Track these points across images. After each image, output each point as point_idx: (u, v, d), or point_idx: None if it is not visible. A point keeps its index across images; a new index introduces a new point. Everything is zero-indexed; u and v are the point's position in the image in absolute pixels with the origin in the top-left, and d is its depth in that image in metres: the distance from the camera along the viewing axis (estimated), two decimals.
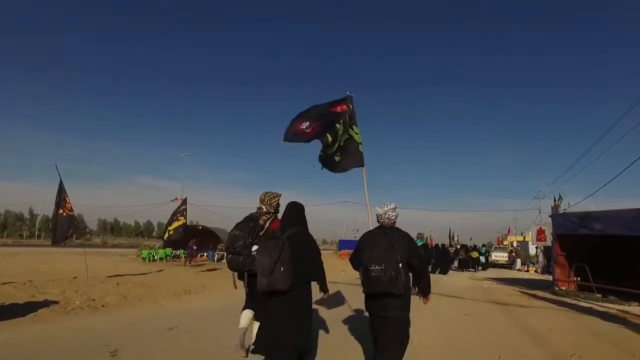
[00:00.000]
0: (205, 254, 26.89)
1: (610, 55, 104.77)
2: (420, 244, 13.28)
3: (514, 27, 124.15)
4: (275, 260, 2.90)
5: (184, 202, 15.99)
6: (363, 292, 3.23)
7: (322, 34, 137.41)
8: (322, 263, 3.41)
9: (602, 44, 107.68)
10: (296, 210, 3.42)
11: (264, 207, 3.93)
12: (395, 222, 3.39)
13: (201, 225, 27.95)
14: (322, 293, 3.51)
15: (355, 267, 3.44)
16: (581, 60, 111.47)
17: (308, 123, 5.72)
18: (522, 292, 11.89)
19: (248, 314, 3.93)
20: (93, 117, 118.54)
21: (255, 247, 3.64)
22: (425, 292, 3.46)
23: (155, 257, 24.49)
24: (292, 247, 3.04)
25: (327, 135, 5.82)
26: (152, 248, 27.21)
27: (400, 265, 3.02)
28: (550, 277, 19.71)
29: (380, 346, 3.18)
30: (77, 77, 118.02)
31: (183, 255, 26.27)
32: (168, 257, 24.95)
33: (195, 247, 25.47)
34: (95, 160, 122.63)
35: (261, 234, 3.80)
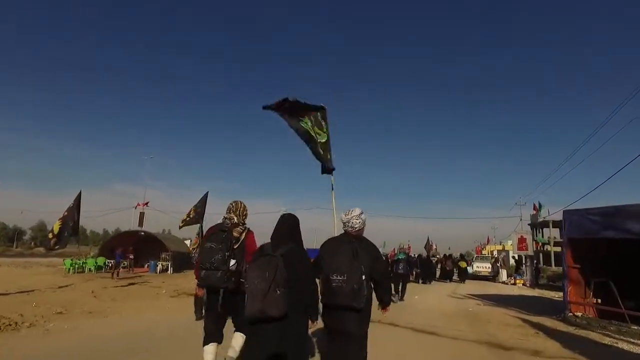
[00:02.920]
0: (147, 264, 22.55)
1: (590, 65, 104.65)
2: (402, 257, 11.98)
3: (494, 32, 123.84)
4: (269, 282, 2.43)
5: (79, 196, 11.67)
6: (321, 302, 2.84)
7: (304, 35, 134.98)
8: (317, 287, 2.80)
9: (585, 53, 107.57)
10: (291, 224, 2.89)
11: (235, 217, 3.48)
12: (361, 230, 3.05)
13: (144, 232, 23.60)
14: (310, 322, 2.78)
15: (316, 276, 2.88)
16: (561, 69, 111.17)
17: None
18: (523, 321, 8.19)
19: (213, 349, 3.30)
20: (64, 120, 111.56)
21: (232, 262, 3.25)
22: (384, 304, 3.04)
23: (84, 268, 20.11)
24: (287, 267, 2.53)
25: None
26: (87, 257, 22.73)
27: (364, 277, 2.70)
28: (542, 292, 16.28)
29: None
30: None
31: (122, 265, 21.96)
32: (102, 268, 20.56)
33: (132, 256, 21.26)
34: (69, 166, 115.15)
35: (235, 247, 3.33)
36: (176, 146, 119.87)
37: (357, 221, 3.00)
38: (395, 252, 23.35)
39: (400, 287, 11.28)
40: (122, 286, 13.31)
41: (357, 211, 3.05)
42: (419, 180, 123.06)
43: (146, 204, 39.38)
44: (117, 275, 17.75)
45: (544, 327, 7.50)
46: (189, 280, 16.12)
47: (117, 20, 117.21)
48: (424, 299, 11.98)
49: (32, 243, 58.33)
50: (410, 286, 15.03)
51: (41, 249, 43.40)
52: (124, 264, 21.84)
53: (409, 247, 31.25)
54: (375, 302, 3.01)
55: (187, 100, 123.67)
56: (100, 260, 20.69)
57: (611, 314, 7.90)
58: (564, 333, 6.99)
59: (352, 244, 2.85)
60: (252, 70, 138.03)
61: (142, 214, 38.02)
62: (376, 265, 2.87)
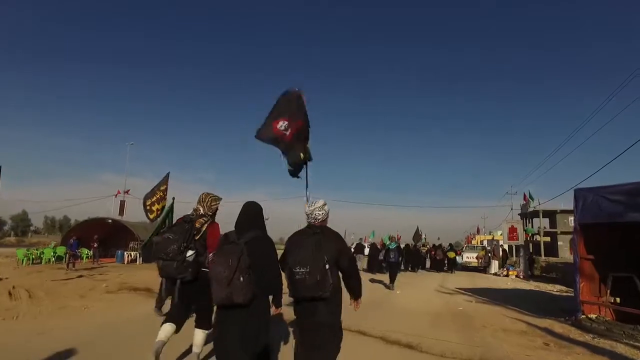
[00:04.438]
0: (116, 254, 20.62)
1: (581, 55, 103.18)
2: (393, 246, 12.29)
3: (482, 20, 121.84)
4: (234, 269, 2.41)
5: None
6: (290, 296, 2.80)
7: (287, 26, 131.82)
8: (281, 274, 2.78)
9: (576, 42, 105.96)
10: (254, 212, 2.87)
11: (201, 208, 3.47)
12: (324, 221, 2.99)
13: (112, 219, 21.63)
14: (274, 308, 2.79)
15: (282, 270, 2.86)
16: (553, 59, 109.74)
17: (286, 123, 4.68)
18: (526, 324, 6.54)
19: (169, 327, 3.33)
20: (48, 109, 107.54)
21: (190, 252, 3.22)
22: (355, 294, 2.97)
23: (41, 258, 18.22)
24: (251, 254, 2.53)
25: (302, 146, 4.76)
26: (48, 246, 20.77)
27: (328, 266, 2.63)
28: (539, 285, 14.67)
29: (307, 354, 2.74)
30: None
31: (86, 255, 20.12)
32: (62, 258, 18.57)
33: (95, 245, 19.35)
34: (52, 155, 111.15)
35: (197, 237, 3.30)
36: (164, 137, 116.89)
37: (320, 212, 2.96)
38: (384, 241, 22.04)
39: (391, 276, 11.75)
40: (65, 279, 11.46)
41: (320, 202, 3.01)
42: (409, 170, 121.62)
43: (127, 192, 37.34)
44: (73, 267, 15.88)
45: (554, 335, 5.84)
46: (150, 273, 14.36)
47: (98, 3, 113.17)
48: (406, 294, 10.32)
49: (13, 233, 55.86)
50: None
51: (12, 239, 41.20)
52: (87, 254, 20.02)
53: (399, 236, 30.24)
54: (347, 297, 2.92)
55: (176, 89, 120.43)
56: (60, 250, 18.74)
57: (633, 317, 6.27)
58: (582, 344, 5.33)
59: (315, 235, 2.79)
60: (243, 61, 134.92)
61: (122, 202, 36.02)
62: (341, 253, 2.81)
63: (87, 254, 19.96)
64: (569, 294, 11.74)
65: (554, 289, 13.35)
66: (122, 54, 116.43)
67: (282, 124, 4.73)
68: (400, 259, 13.39)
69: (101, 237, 21.08)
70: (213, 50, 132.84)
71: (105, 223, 21.26)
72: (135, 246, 20.35)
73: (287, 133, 4.74)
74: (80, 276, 12.42)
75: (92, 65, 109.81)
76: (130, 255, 20.23)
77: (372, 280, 13.71)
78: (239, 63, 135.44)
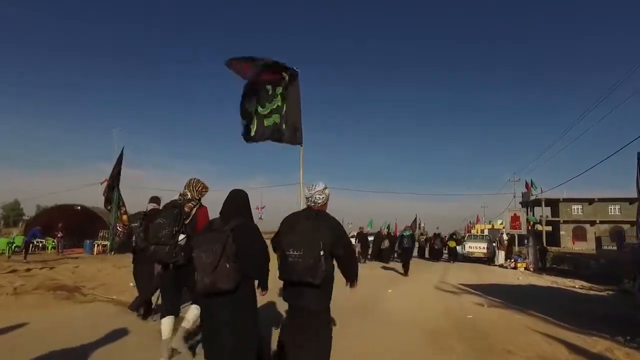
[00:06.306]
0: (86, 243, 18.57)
1: (585, 42, 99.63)
2: (407, 234, 12.68)
3: (481, 9, 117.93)
4: (218, 256, 2.37)
5: None
6: (279, 278, 2.66)
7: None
8: (269, 259, 2.72)
9: (578, 30, 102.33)
10: (240, 199, 2.81)
11: (189, 193, 3.47)
12: (324, 205, 2.83)
13: (80, 206, 19.54)
14: (260, 291, 2.78)
15: (274, 251, 2.89)
16: (555, 47, 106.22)
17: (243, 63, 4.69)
18: (568, 347, 4.41)
19: (169, 321, 3.33)
20: (40, 99, 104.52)
21: (182, 236, 3.22)
22: (350, 278, 2.81)
23: None
24: (237, 240, 2.48)
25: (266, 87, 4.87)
26: (9, 236, 18.72)
27: (322, 252, 2.47)
28: (555, 280, 12.46)
29: (293, 342, 2.57)
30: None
31: (51, 245, 18.15)
32: (17, 249, 16.52)
33: (60, 234, 17.36)
34: (46, 145, 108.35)
35: (187, 222, 3.32)
36: (160, 125, 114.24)
37: (320, 196, 2.79)
38: (383, 231, 20.61)
39: (405, 261, 12.16)
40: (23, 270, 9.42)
41: (320, 186, 2.83)
42: (406, 158, 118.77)
43: None
44: (24, 259, 13.85)
45: None
46: (109, 267, 12.32)
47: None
48: (400, 294, 8.23)
49: (3, 222, 53.97)
50: (388, 273, 11.69)
51: None
52: (52, 243, 18.06)
53: (396, 226, 28.89)
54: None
55: (171, 78, 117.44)
56: (18, 240, 16.68)
57: None
58: None
59: (312, 219, 2.64)
60: (241, 43, 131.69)
61: None
62: (337, 240, 2.61)
63: (53, 244, 17.98)
64: (597, 293, 9.68)
65: (575, 284, 11.27)
66: (118, 45, 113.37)
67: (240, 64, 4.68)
68: (413, 245, 13.75)
69: (70, 226, 19.13)
70: (213, 40, 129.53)
71: (74, 210, 19.19)
72: (106, 235, 18.31)
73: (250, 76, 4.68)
74: (14, 270, 10.34)
75: (90, 56, 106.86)
76: (101, 246, 18.23)
77: (369, 274, 11.71)
78: (238, 53, 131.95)
